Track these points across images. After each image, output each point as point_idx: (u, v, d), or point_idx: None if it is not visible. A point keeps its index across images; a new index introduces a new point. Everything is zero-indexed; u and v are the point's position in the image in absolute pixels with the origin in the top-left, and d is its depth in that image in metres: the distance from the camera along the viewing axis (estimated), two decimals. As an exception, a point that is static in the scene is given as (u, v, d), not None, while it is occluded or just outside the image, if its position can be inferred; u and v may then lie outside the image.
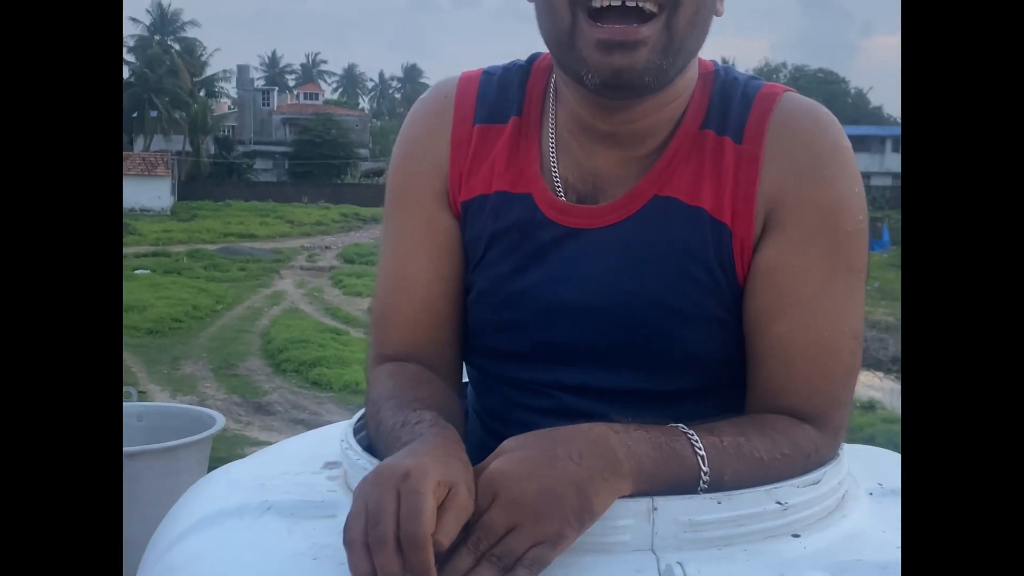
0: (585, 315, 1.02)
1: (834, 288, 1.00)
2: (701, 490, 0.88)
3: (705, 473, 0.88)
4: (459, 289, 1.10)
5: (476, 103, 1.10)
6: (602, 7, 0.94)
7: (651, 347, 1.02)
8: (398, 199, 1.12)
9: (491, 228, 1.06)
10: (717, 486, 0.89)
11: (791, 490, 0.90)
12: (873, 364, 14.29)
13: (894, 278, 22.87)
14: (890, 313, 18.22)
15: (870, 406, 11.10)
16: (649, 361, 1.02)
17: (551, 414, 1.03)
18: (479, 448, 0.92)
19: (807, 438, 0.97)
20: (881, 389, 12.86)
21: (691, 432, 0.90)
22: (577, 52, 0.96)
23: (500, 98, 1.09)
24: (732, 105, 1.03)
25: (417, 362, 1.08)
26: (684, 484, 0.88)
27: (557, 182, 1.05)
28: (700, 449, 0.89)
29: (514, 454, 0.85)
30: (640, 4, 0.94)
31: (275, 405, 9.40)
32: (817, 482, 0.92)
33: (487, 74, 1.12)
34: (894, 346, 14.86)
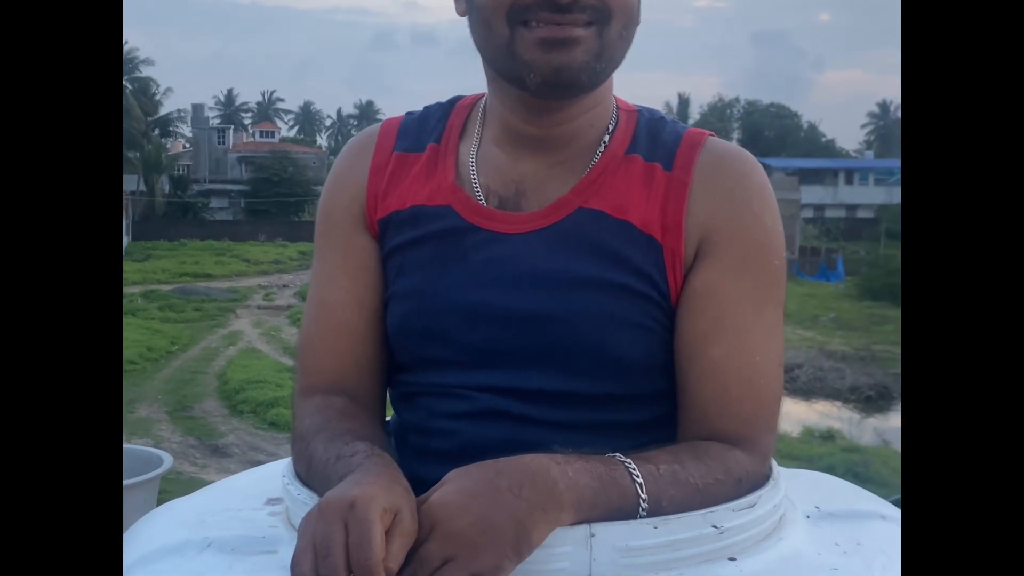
0: (507, 317, 1.03)
1: (765, 317, 1.04)
2: (640, 517, 0.89)
3: (644, 500, 0.90)
4: (379, 313, 1.11)
5: (397, 136, 1.14)
6: (538, 24, 0.98)
7: (573, 349, 1.02)
8: (321, 231, 1.15)
9: (410, 236, 1.08)
10: (655, 513, 0.90)
11: (727, 514, 0.91)
12: (831, 394, 14.43)
13: (850, 308, 23.15)
14: (846, 344, 18.42)
15: (829, 435, 11.18)
16: (571, 363, 1.03)
17: (475, 417, 1.03)
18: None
19: (738, 463, 0.98)
20: (839, 419, 12.96)
21: (629, 461, 0.92)
22: (518, 57, 1.00)
23: (420, 130, 1.14)
24: (660, 137, 1.08)
25: (341, 391, 1.09)
26: (624, 512, 0.89)
27: (477, 190, 1.08)
28: (638, 477, 0.90)
29: (454, 484, 0.85)
30: (572, 31, 0.98)
31: (232, 447, 9.26)
32: (753, 505, 0.94)
33: (409, 114, 1.17)
34: (851, 376, 15.02)
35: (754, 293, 1.03)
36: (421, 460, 1.04)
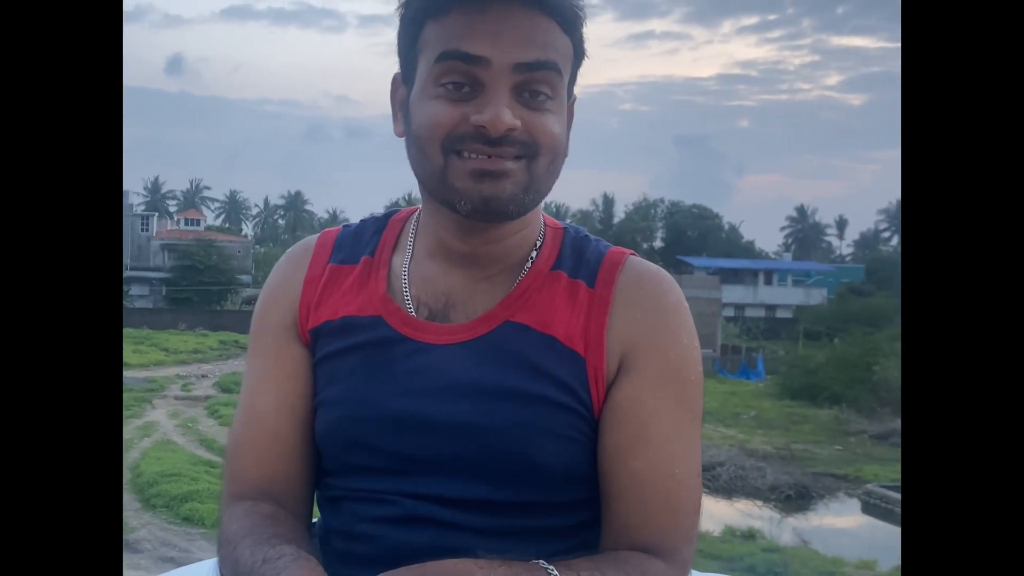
0: (432, 426, 1.05)
1: (683, 430, 1.07)
2: None
3: None
4: (308, 420, 1.13)
5: (333, 248, 1.18)
6: (470, 155, 1.02)
7: (497, 458, 1.05)
8: (253, 338, 1.17)
9: (340, 345, 1.11)
10: None
11: (644, 620, 0.93)
12: (752, 493, 14.52)
13: (770, 406, 23.44)
14: (767, 442, 18.61)
15: (750, 535, 11.21)
16: (495, 472, 1.05)
17: (399, 522, 1.05)
18: None
19: (657, 573, 1.01)
20: (760, 518, 13.02)
21: (551, 568, 0.94)
22: (450, 184, 1.04)
23: (355, 243, 1.18)
24: (584, 255, 1.12)
25: (268, 496, 1.10)
26: None
27: (408, 301, 1.11)
28: None
29: None
30: (502, 163, 1.02)
31: (143, 542, 8.95)
32: (670, 611, 0.96)
33: (346, 226, 1.21)
34: (772, 474, 15.16)
35: (673, 407, 1.07)
36: (346, 564, 1.05)
